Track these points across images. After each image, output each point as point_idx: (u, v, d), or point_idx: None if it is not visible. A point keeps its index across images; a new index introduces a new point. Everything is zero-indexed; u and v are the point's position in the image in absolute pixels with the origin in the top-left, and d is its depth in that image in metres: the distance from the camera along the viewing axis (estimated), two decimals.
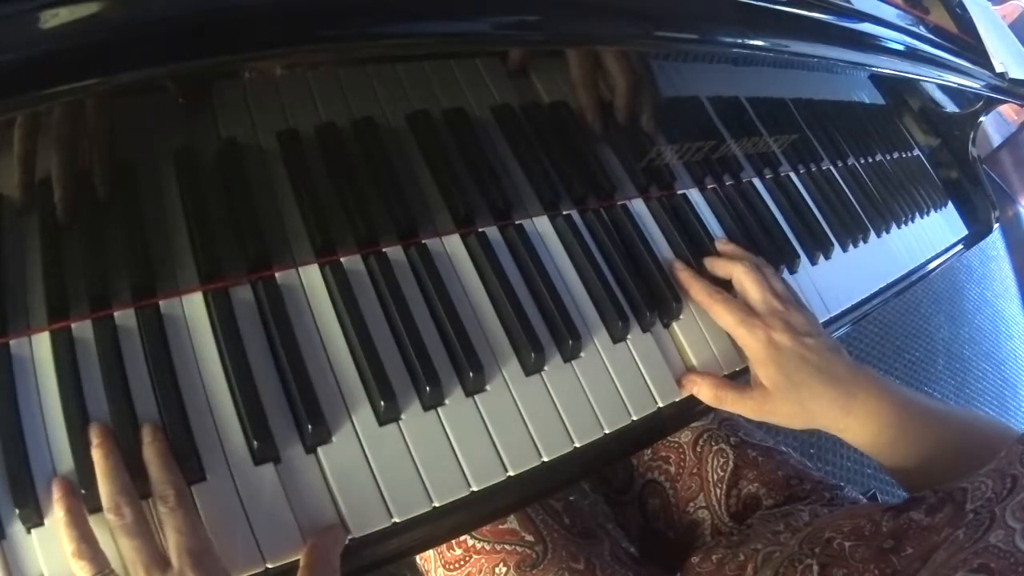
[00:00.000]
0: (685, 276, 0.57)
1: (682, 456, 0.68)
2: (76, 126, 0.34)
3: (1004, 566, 0.32)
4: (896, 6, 0.67)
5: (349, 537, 0.38)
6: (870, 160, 0.88)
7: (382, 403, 0.41)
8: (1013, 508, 0.35)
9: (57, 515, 0.34)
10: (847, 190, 0.80)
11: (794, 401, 0.51)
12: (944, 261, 0.91)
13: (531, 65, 0.48)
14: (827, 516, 0.58)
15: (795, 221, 0.70)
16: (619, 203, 0.59)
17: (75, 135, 0.34)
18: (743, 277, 0.56)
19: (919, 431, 0.51)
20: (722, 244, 0.61)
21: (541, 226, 0.53)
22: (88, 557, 0.34)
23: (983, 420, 0.53)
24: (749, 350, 0.53)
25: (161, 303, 0.39)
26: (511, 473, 0.43)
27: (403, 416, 0.42)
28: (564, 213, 0.55)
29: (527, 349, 0.46)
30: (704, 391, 0.53)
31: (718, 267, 0.58)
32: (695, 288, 0.56)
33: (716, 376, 0.54)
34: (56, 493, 0.34)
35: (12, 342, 0.36)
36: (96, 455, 0.35)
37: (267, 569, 0.36)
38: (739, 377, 0.56)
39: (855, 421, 0.51)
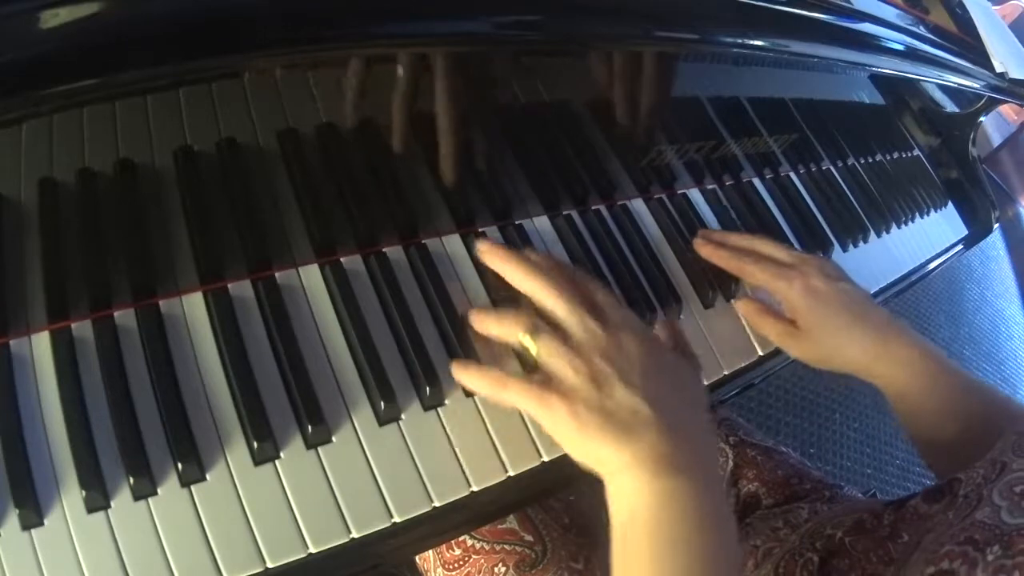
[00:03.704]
0: (708, 249, 0.58)
1: None
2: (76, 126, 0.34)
3: (989, 536, 0.33)
4: (896, 6, 0.67)
5: (349, 537, 0.38)
6: (870, 160, 0.88)
7: (382, 403, 0.41)
8: (1000, 488, 0.36)
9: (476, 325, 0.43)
10: (847, 190, 0.80)
11: (829, 345, 0.53)
12: (944, 261, 0.91)
13: (532, 64, 0.48)
14: (827, 512, 0.58)
15: (795, 221, 0.70)
16: (619, 203, 0.59)
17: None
18: (763, 245, 0.58)
19: (946, 388, 0.52)
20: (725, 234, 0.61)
21: (541, 226, 0.53)
22: (512, 317, 0.42)
23: (1005, 399, 0.53)
24: (788, 300, 0.55)
25: (161, 303, 0.39)
26: (511, 473, 0.43)
27: (403, 416, 0.42)
28: (564, 213, 0.55)
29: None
30: (751, 308, 0.56)
31: (731, 239, 0.59)
32: (721, 257, 0.57)
33: (766, 305, 0.57)
34: (454, 369, 0.43)
35: (12, 342, 0.36)
36: (494, 259, 0.44)
37: (267, 569, 0.36)
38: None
39: (887, 367, 0.53)
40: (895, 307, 2.04)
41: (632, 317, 0.44)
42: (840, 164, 0.82)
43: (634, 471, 0.38)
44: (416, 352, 0.43)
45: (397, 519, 0.39)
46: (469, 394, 0.44)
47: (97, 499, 0.34)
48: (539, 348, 0.41)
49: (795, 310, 0.55)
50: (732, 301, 0.57)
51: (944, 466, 0.53)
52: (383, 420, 0.41)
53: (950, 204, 0.99)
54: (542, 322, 0.42)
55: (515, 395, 0.41)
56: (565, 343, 0.41)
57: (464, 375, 0.43)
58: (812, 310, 0.53)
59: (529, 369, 0.43)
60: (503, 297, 0.47)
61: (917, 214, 0.90)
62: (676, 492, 0.38)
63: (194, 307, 0.40)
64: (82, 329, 0.37)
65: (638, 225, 0.58)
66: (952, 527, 0.36)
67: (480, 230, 0.50)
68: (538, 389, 0.40)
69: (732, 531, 0.40)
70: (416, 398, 0.43)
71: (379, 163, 0.45)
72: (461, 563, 0.58)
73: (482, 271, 0.48)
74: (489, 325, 0.43)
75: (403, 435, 0.42)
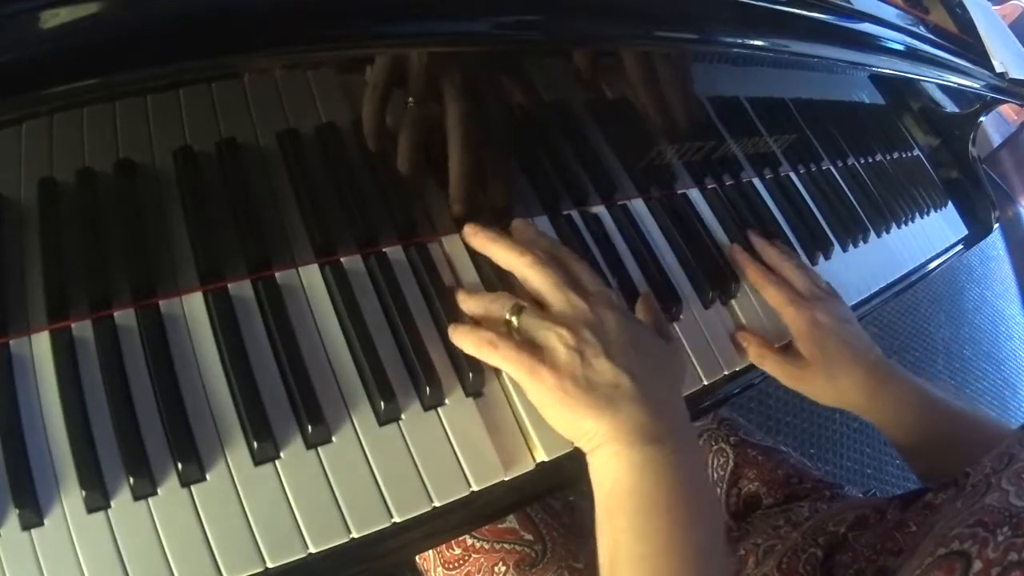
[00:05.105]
0: (742, 257, 0.62)
1: None
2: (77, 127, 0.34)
3: (998, 519, 0.34)
4: (896, 6, 0.67)
5: (349, 537, 0.38)
6: (870, 160, 0.88)
7: (382, 403, 0.41)
8: (1008, 475, 0.37)
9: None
10: (847, 190, 0.80)
11: (828, 377, 0.56)
12: (944, 261, 0.91)
13: (532, 65, 0.48)
14: (829, 509, 0.58)
15: (795, 221, 0.70)
16: (619, 203, 0.59)
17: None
18: (789, 270, 0.61)
19: (937, 421, 0.55)
20: (765, 245, 0.64)
21: (541, 226, 0.53)
22: (496, 298, 0.43)
23: (991, 420, 0.56)
24: (794, 327, 0.58)
25: (161, 303, 0.39)
26: (511, 473, 0.43)
27: (403, 416, 0.42)
28: (564, 213, 0.55)
29: None
30: (752, 347, 0.57)
31: (768, 253, 0.63)
32: (750, 269, 0.61)
33: (765, 339, 0.58)
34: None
35: (12, 342, 0.36)
36: (481, 240, 0.45)
37: (267, 569, 0.36)
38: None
39: (881, 404, 0.55)
40: (895, 307, 2.04)
41: (613, 295, 0.45)
42: (840, 164, 0.82)
43: (613, 443, 0.40)
44: (416, 352, 0.43)
45: (397, 519, 0.39)
46: (469, 394, 0.44)
47: (97, 499, 0.34)
48: (523, 321, 0.42)
49: (798, 337, 0.57)
50: (736, 337, 0.58)
51: None
52: (383, 420, 0.41)
53: (950, 204, 0.99)
54: (526, 301, 0.43)
55: (504, 359, 0.42)
56: (549, 317, 0.42)
57: (457, 334, 0.44)
58: (813, 341, 0.56)
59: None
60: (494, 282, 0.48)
61: (917, 214, 0.90)
62: (654, 461, 0.39)
63: (194, 307, 0.40)
64: (82, 329, 0.37)
65: (638, 225, 0.58)
66: (961, 513, 0.37)
67: None
68: (529, 357, 0.41)
69: (713, 500, 0.43)
70: (416, 398, 0.43)
71: (379, 163, 0.45)
72: (461, 562, 0.58)
73: (481, 269, 0.48)
74: (474, 307, 0.45)
75: (403, 435, 0.42)
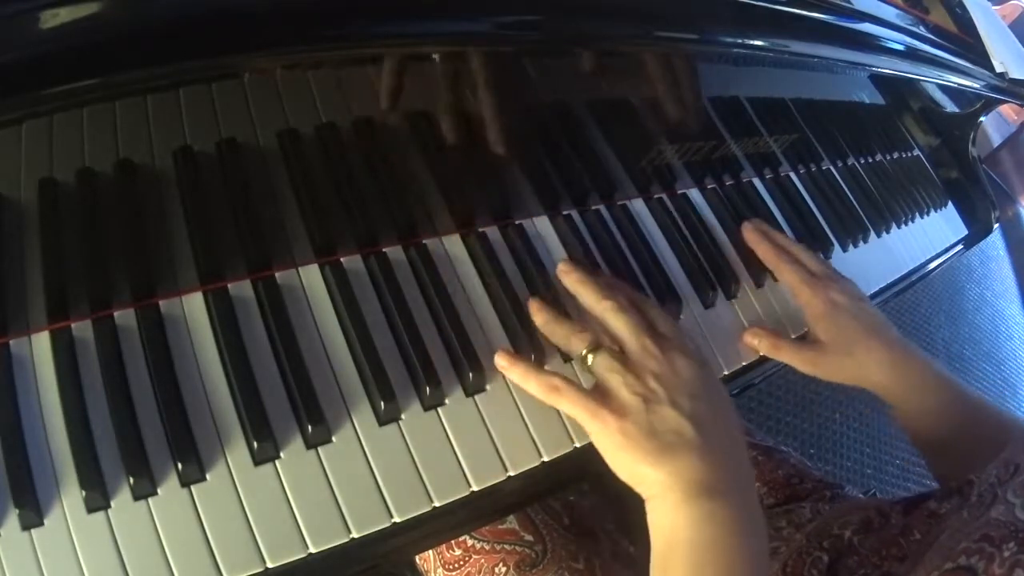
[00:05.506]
0: (755, 237, 0.61)
1: None
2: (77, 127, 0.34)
3: (1004, 534, 0.34)
4: (896, 6, 0.67)
5: (349, 537, 0.38)
6: (870, 160, 0.88)
7: (382, 403, 0.41)
8: (1014, 487, 0.37)
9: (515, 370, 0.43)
10: (847, 190, 0.80)
11: (846, 355, 0.55)
12: (944, 261, 0.91)
13: (532, 65, 0.48)
14: (832, 511, 0.58)
15: (795, 221, 0.70)
16: (619, 203, 0.59)
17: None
18: (799, 252, 0.61)
19: (958, 411, 0.54)
20: (772, 231, 0.64)
21: (541, 226, 0.53)
22: (578, 330, 0.44)
23: (1008, 412, 0.56)
24: (810, 307, 0.57)
25: (161, 303, 0.39)
26: (511, 473, 0.43)
27: (403, 416, 0.42)
28: (564, 213, 0.55)
29: (527, 349, 0.46)
30: (764, 342, 0.56)
31: (776, 236, 0.62)
32: (765, 249, 0.60)
33: (775, 330, 0.58)
34: (502, 361, 0.44)
35: (12, 342, 0.36)
36: (571, 280, 0.47)
37: (267, 569, 0.36)
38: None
39: (904, 381, 0.54)
40: (895, 307, 2.04)
41: (687, 341, 0.46)
42: (840, 164, 0.82)
43: (671, 492, 0.40)
44: (416, 352, 0.43)
45: (397, 519, 0.39)
46: (469, 394, 0.44)
47: (97, 499, 0.34)
48: (596, 362, 0.43)
49: (814, 318, 0.57)
50: (745, 338, 0.58)
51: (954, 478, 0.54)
52: (383, 420, 0.41)
53: (950, 204, 0.99)
54: (604, 338, 0.45)
55: (569, 404, 0.42)
56: (622, 361, 0.43)
57: (515, 371, 0.44)
58: (831, 320, 0.56)
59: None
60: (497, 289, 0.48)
61: (917, 214, 0.90)
62: (713, 516, 0.39)
63: (194, 307, 0.40)
64: (82, 329, 0.37)
65: (638, 225, 0.58)
66: (968, 525, 0.37)
67: (480, 230, 0.50)
68: (592, 402, 0.42)
69: (765, 556, 0.41)
70: (416, 398, 0.43)
71: (379, 163, 0.45)
72: (461, 563, 0.58)
73: (482, 271, 0.48)
74: (555, 330, 0.46)
75: (403, 435, 0.42)
